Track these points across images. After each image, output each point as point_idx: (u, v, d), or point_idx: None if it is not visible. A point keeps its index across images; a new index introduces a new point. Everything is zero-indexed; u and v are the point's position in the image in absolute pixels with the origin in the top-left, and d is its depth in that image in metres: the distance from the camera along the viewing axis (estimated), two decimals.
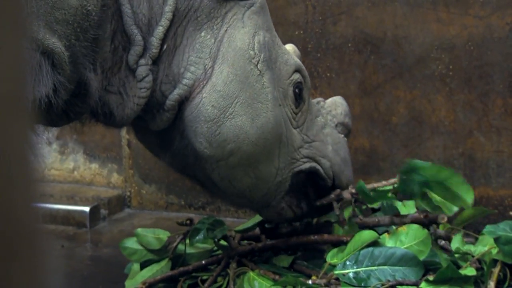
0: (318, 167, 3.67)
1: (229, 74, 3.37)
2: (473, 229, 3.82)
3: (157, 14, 3.31)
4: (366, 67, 4.60)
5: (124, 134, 5.07)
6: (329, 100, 3.87)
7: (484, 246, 3.60)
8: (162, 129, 3.46)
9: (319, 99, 3.87)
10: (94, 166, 5.29)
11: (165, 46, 3.34)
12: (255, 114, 3.40)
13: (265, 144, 3.45)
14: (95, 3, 3.02)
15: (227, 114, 3.35)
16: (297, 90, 3.58)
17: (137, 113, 3.34)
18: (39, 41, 2.89)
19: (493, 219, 4.21)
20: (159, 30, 3.29)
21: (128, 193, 5.17)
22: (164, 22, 3.30)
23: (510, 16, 4.27)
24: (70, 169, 5.33)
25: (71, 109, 3.19)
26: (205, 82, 3.35)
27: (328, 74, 4.66)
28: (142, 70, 3.29)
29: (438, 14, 4.40)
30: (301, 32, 4.70)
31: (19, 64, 1.16)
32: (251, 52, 3.41)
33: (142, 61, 3.29)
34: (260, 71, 3.42)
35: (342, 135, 3.80)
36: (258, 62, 3.42)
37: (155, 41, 3.29)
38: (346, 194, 3.69)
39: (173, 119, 3.42)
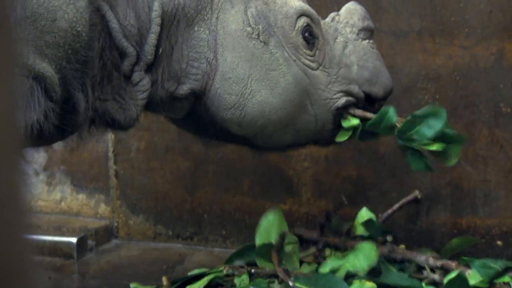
0: (351, 98, 3.66)
1: (234, 59, 3.39)
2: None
3: (145, 22, 3.32)
4: None
5: (112, 164, 5.06)
6: (343, 10, 3.81)
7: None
8: (194, 119, 3.56)
9: (334, 14, 3.81)
10: (82, 196, 5.27)
11: (160, 50, 3.36)
12: (273, 84, 3.43)
13: (293, 104, 3.48)
14: (84, 23, 3.03)
15: (245, 95, 3.40)
16: (306, 34, 3.56)
17: (139, 114, 3.40)
18: (29, 67, 2.90)
19: (480, 248, 4.22)
20: (152, 38, 3.31)
21: (116, 224, 5.14)
22: (154, 29, 3.32)
23: (495, 46, 4.30)
24: (57, 199, 5.30)
25: (65, 123, 3.19)
26: (213, 74, 3.40)
27: None
28: (136, 76, 3.34)
29: (424, 44, 4.43)
30: None
31: (11, 94, 1.16)
32: (248, 29, 3.43)
33: (136, 68, 3.33)
34: (264, 42, 3.44)
35: (367, 41, 3.76)
36: (258, 35, 3.44)
37: (149, 48, 3.32)
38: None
39: (191, 108, 3.51)
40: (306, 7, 3.61)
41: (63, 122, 3.16)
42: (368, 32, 3.74)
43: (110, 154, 5.06)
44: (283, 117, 3.48)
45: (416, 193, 4.43)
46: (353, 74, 3.64)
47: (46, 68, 2.93)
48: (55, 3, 2.91)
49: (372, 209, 4.36)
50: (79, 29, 3.00)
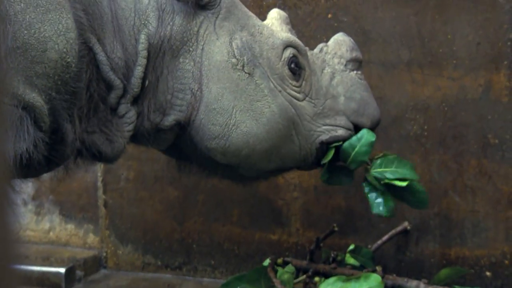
0: (337, 132, 3.66)
1: (218, 90, 3.40)
2: None
3: (132, 54, 3.34)
4: None
5: (101, 194, 5.05)
6: (331, 41, 3.82)
7: None
8: (178, 149, 3.58)
9: (322, 44, 3.83)
10: (70, 226, 5.25)
11: (146, 82, 3.38)
12: (257, 114, 3.44)
13: (278, 134, 3.49)
14: (74, 54, 3.04)
15: (230, 126, 3.41)
16: (293, 65, 3.58)
17: (125, 146, 3.41)
18: (19, 97, 2.89)
19: (469, 279, 4.22)
20: (138, 70, 3.33)
21: (104, 254, 5.12)
22: (141, 62, 3.34)
23: (482, 77, 4.33)
24: (46, 229, 5.28)
25: (53, 154, 3.19)
26: (197, 104, 3.40)
27: None
28: (122, 108, 3.35)
29: (412, 75, 4.46)
30: None
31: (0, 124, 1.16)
32: (233, 60, 3.44)
33: (123, 100, 3.35)
34: (249, 73, 3.45)
35: (355, 72, 3.75)
36: (243, 66, 3.45)
37: (135, 81, 3.33)
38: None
39: (174, 139, 3.53)
40: (293, 38, 3.63)
41: (51, 153, 3.16)
42: (356, 63, 3.75)
43: (99, 183, 5.05)
44: (267, 147, 3.49)
45: (406, 224, 4.44)
46: (340, 105, 3.66)
47: (36, 98, 2.94)
48: (46, 34, 2.93)
49: (361, 240, 4.36)
50: (68, 60, 3.01)
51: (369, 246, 4.38)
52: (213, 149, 3.46)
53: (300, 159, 3.66)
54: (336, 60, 3.72)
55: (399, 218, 4.40)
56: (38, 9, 2.92)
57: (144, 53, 3.34)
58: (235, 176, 3.74)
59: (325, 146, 3.68)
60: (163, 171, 4.91)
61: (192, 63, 3.41)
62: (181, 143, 3.55)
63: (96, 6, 3.27)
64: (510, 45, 4.27)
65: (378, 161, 3.81)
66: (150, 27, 3.35)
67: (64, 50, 2.98)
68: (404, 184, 3.70)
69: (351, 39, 3.81)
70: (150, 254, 5.02)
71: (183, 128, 3.46)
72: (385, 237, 4.41)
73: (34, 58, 2.90)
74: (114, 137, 3.35)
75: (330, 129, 3.65)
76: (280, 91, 3.51)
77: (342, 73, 3.71)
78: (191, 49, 3.42)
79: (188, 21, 3.41)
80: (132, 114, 3.37)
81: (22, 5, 2.88)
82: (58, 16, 2.97)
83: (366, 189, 3.81)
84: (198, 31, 3.43)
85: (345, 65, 3.72)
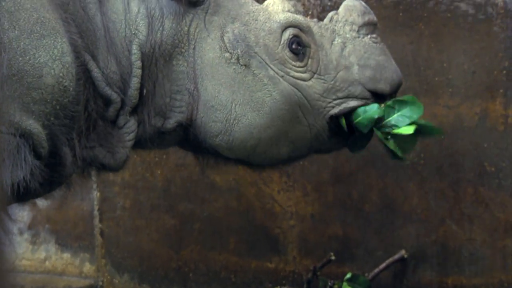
0: (349, 103, 3.54)
1: (214, 86, 3.37)
2: None
3: (126, 66, 3.33)
4: (338, 154, 4.62)
5: (97, 222, 5.04)
6: (341, 9, 3.65)
7: None
8: (189, 144, 3.55)
9: (332, 13, 3.67)
10: (66, 255, 5.23)
11: (144, 91, 3.36)
12: (259, 105, 3.38)
13: (283, 119, 3.42)
14: (71, 78, 3.04)
15: (231, 121, 3.37)
16: (294, 46, 3.47)
17: (128, 155, 3.40)
18: (16, 124, 2.88)
19: None
20: (135, 81, 3.32)
21: (101, 283, 5.09)
22: (136, 72, 3.32)
23: (478, 106, 4.34)
24: (42, 259, 5.26)
25: (53, 176, 3.18)
26: (196, 104, 3.38)
27: (301, 162, 4.68)
28: (121, 120, 3.35)
29: None
30: None
31: None
32: (226, 55, 3.38)
33: (121, 112, 3.34)
34: (245, 65, 3.39)
35: (369, 36, 3.60)
36: (238, 59, 3.39)
37: (133, 92, 3.32)
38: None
39: (182, 137, 3.50)
40: (292, 17, 3.51)
41: (51, 175, 3.15)
42: (370, 27, 3.60)
43: (96, 212, 5.04)
44: (273, 134, 3.42)
45: (403, 252, 4.43)
46: (354, 75, 3.52)
47: (33, 125, 2.93)
48: (41, 60, 2.92)
49: (358, 268, 4.35)
50: (66, 84, 3.00)
51: (366, 275, 4.37)
52: (218, 145, 3.43)
53: (312, 138, 3.54)
54: (347, 28, 3.58)
55: (396, 246, 4.40)
56: (32, 36, 2.92)
57: (138, 63, 3.32)
58: (250, 165, 3.69)
59: (336, 120, 3.55)
60: (160, 200, 4.90)
61: (185, 64, 3.38)
62: (188, 140, 3.52)
63: (89, 23, 3.26)
64: (505, 73, 4.29)
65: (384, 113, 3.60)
66: (141, 36, 3.33)
67: (61, 74, 2.98)
68: (411, 130, 3.57)
69: (362, 2, 3.65)
70: (146, 283, 5.00)
71: (186, 128, 3.45)
72: (382, 265, 4.40)
73: (30, 84, 2.90)
74: (115, 149, 3.34)
75: (341, 102, 3.53)
76: (282, 76, 3.43)
77: (354, 41, 3.57)
78: (183, 50, 3.38)
79: (178, 22, 3.37)
80: (131, 124, 3.36)
81: (16, 32, 2.89)
82: (53, 41, 2.97)
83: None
84: (188, 30, 3.39)
85: (358, 31, 3.58)
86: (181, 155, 4.83)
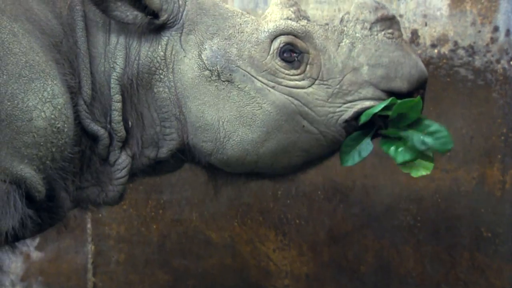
0: (363, 105, 3.30)
1: (197, 107, 3.28)
2: None
3: (108, 99, 3.28)
4: (335, 215, 4.62)
5: (90, 276, 5.01)
6: (352, 7, 3.44)
7: None
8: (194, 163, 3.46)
9: (343, 14, 3.47)
10: None
11: (129, 123, 3.31)
12: (249, 119, 3.26)
13: (282, 130, 3.29)
14: (64, 119, 3.01)
15: (221, 139, 3.29)
16: (286, 54, 3.30)
17: (123, 191, 3.34)
18: (6, 171, 2.85)
19: None
20: (115, 115, 3.27)
21: None
22: (115, 106, 3.27)
23: (476, 171, 4.35)
24: None
25: (50, 217, 3.16)
26: (185, 128, 3.31)
27: (297, 221, 4.68)
28: (112, 156, 3.30)
29: None
30: None
31: None
32: (206, 72, 3.27)
33: (111, 148, 3.30)
34: (228, 80, 3.27)
35: (383, 33, 3.37)
36: (219, 75, 3.27)
37: (116, 126, 3.27)
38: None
39: (182, 160, 3.42)
40: (284, 24, 3.34)
41: (48, 217, 3.13)
42: (386, 22, 3.37)
43: (89, 265, 5.01)
44: (273, 147, 3.28)
45: None
46: (363, 76, 3.30)
47: (25, 170, 2.90)
48: (30, 103, 2.89)
49: None
50: (59, 125, 2.96)
51: None
52: (217, 164, 3.36)
53: (328, 144, 3.35)
54: (359, 27, 3.37)
55: None
56: (20, 80, 2.89)
57: (117, 97, 3.27)
58: (264, 177, 3.54)
59: (355, 122, 3.32)
60: (154, 255, 4.88)
61: (166, 90, 3.31)
62: (190, 160, 3.46)
63: (78, 60, 3.22)
64: (503, 139, 4.30)
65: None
66: (118, 68, 3.27)
67: (52, 116, 2.94)
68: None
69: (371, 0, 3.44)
70: None
71: (183, 152, 3.39)
72: None
73: (20, 128, 2.86)
74: (109, 187, 3.31)
75: (353, 105, 3.31)
76: (273, 87, 3.27)
77: (365, 40, 3.35)
78: (162, 76, 3.31)
79: (154, 49, 3.30)
80: (122, 160, 3.32)
81: (4, 77, 2.86)
82: (42, 84, 2.94)
83: (385, 147, 3.37)
84: (165, 54, 3.31)
85: (371, 28, 3.36)
86: (177, 211, 4.82)
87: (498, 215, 4.32)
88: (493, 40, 4.28)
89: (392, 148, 3.35)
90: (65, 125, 3.01)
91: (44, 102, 2.93)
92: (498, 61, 4.28)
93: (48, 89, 2.95)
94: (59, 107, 2.97)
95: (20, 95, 2.88)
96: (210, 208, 4.83)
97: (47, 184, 3.00)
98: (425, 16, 4.40)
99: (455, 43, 4.36)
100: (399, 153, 3.36)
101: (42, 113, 2.92)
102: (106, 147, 3.29)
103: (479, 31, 4.31)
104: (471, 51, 4.33)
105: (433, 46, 4.40)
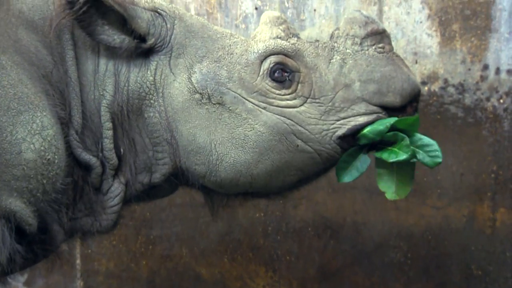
0: (357, 121, 3.26)
1: (188, 130, 3.25)
2: None
3: (99, 127, 3.25)
4: (325, 251, 4.61)
5: None
6: (342, 23, 3.39)
7: None
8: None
9: (333, 29, 3.43)
10: None
11: (121, 150, 3.28)
12: (241, 141, 3.23)
13: (275, 151, 3.25)
14: (55, 150, 2.98)
15: (213, 162, 3.25)
16: (277, 74, 3.26)
17: (116, 219, 3.31)
18: None
19: None
20: (106, 143, 3.24)
21: None
22: (106, 134, 3.24)
23: (466, 208, 4.35)
24: None
25: (43, 249, 3.13)
26: (177, 152, 3.27)
27: (288, 257, 4.66)
28: (105, 185, 3.27)
29: (396, 202, 4.47)
30: (262, 214, 4.73)
31: None
32: (196, 96, 3.25)
33: (104, 176, 3.26)
34: (218, 103, 3.24)
35: (374, 47, 3.32)
36: (209, 98, 3.25)
37: (108, 154, 3.24)
38: None
39: (177, 183, 3.40)
40: (274, 44, 3.32)
41: (43, 248, 3.11)
42: (376, 37, 3.34)
43: None
44: (267, 167, 3.26)
45: None
46: (356, 92, 3.26)
47: (14, 203, 2.87)
48: (19, 136, 2.87)
49: None
50: (49, 157, 2.94)
51: None
52: (210, 186, 3.33)
53: (323, 161, 3.32)
54: (349, 42, 3.34)
55: None
56: (9, 112, 2.88)
57: (107, 125, 3.24)
58: (259, 197, 3.52)
59: (350, 138, 3.28)
60: None
61: (157, 115, 3.28)
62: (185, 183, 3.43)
63: (68, 89, 3.19)
64: (494, 177, 4.31)
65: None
66: (108, 96, 3.25)
67: (42, 148, 2.92)
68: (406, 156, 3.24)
69: (364, 13, 3.40)
70: None
71: (176, 176, 3.37)
72: None
73: (10, 161, 2.84)
74: (102, 216, 3.27)
75: (347, 122, 3.27)
76: (264, 108, 3.24)
77: (355, 55, 3.31)
78: (152, 101, 3.28)
79: (143, 73, 3.28)
80: (115, 188, 3.29)
81: None
82: (31, 116, 2.92)
83: (377, 154, 3.30)
84: (154, 79, 3.28)
85: (361, 44, 3.33)
86: (167, 246, 4.80)
87: (488, 253, 4.31)
88: (483, 78, 4.31)
89: (386, 154, 3.29)
90: (56, 156, 2.98)
91: (33, 134, 2.91)
92: (488, 99, 4.30)
93: (37, 121, 2.93)
94: (48, 138, 2.94)
95: (8, 127, 2.86)
96: (200, 244, 4.81)
97: (38, 216, 2.98)
98: (415, 53, 4.43)
99: (445, 80, 4.39)
100: (391, 154, 3.29)
101: (32, 145, 2.90)
102: (99, 175, 3.26)
103: (469, 69, 4.34)
104: (461, 89, 4.36)
105: (424, 83, 4.43)
